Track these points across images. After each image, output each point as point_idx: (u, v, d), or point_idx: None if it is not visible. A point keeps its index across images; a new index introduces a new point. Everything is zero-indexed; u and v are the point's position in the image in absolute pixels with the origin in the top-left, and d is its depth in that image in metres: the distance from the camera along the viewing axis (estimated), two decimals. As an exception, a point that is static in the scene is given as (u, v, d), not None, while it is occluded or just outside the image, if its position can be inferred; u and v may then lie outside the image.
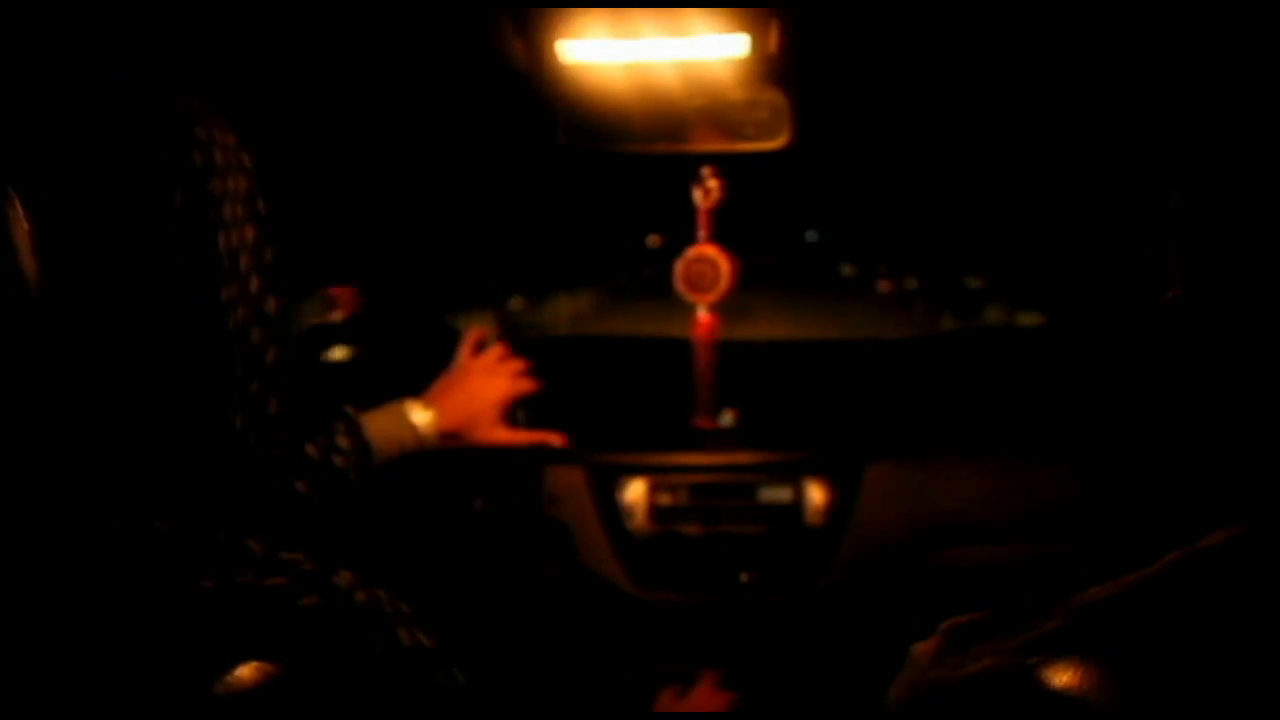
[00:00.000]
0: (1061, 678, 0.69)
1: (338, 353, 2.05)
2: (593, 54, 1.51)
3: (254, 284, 0.92)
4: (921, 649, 0.83)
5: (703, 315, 2.09)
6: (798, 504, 2.05)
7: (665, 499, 2.06)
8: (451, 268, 2.29)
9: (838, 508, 2.04)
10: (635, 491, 2.07)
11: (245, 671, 0.73)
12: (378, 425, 1.56)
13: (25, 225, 0.77)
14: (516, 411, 1.81)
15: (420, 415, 1.60)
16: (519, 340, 1.87)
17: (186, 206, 0.86)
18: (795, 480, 2.06)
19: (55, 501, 0.78)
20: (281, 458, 1.44)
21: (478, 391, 1.69)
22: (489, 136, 1.79)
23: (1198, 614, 0.69)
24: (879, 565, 2.03)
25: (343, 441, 1.50)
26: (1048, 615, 0.74)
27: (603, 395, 2.33)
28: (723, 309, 2.10)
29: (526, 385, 1.77)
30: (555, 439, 1.79)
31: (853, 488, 2.05)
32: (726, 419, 2.21)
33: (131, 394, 0.83)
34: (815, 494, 2.05)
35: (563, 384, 2.01)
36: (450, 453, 1.73)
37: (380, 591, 0.86)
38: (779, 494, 2.06)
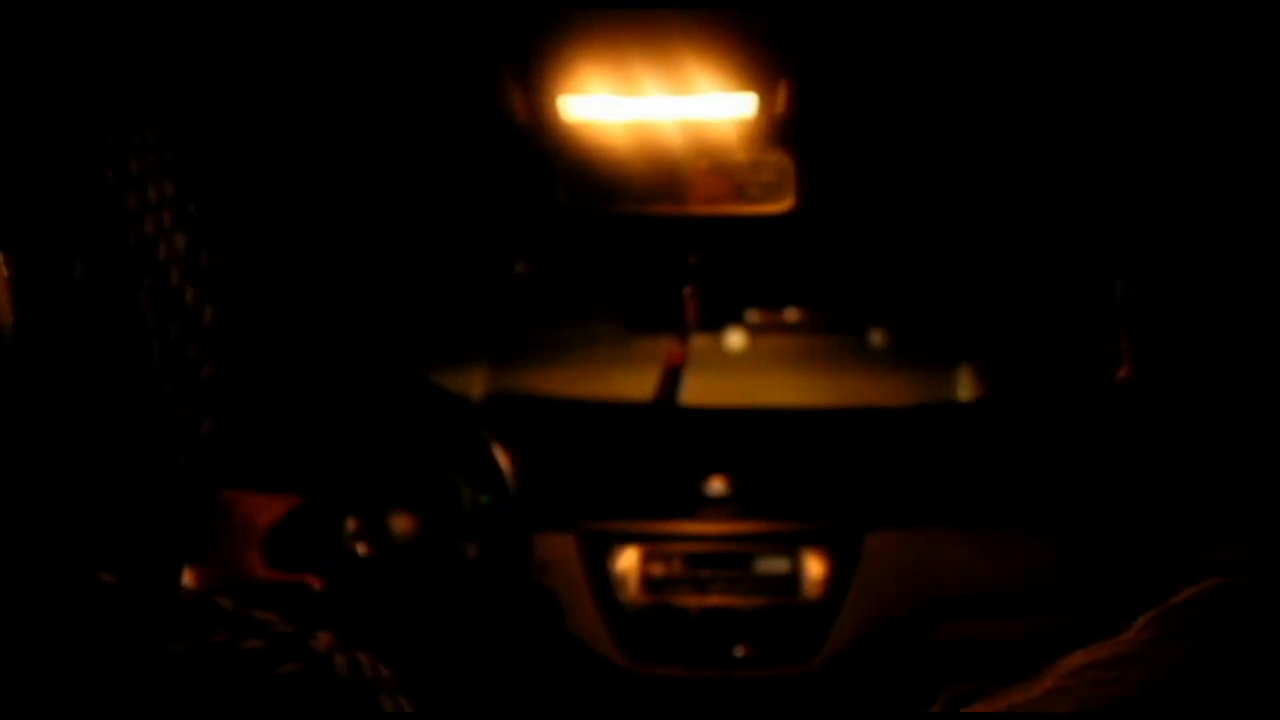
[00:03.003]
0: None
1: None
2: (595, 111, 1.48)
3: (189, 295, 0.88)
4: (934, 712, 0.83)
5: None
6: (795, 575, 2.01)
7: (659, 569, 2.02)
8: (440, 323, 2.25)
9: (836, 579, 2.00)
10: (628, 560, 2.02)
11: None
12: None
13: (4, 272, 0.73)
14: (501, 467, 1.74)
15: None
16: (509, 401, 1.83)
17: (100, 228, 0.82)
18: (793, 550, 2.01)
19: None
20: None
21: (235, 538, 1.53)
22: (489, 193, 1.75)
23: (1172, 665, 0.71)
24: (878, 639, 1.98)
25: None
26: (1039, 679, 0.74)
27: (595, 460, 2.29)
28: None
29: (279, 506, 1.57)
30: (313, 582, 1.63)
31: (852, 559, 2.00)
32: (722, 487, 2.16)
33: (67, 432, 0.79)
34: (813, 565, 2.01)
35: (553, 448, 1.96)
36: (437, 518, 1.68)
37: (361, 655, 0.81)
38: (776, 565, 2.01)
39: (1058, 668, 0.75)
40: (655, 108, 1.46)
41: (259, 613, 0.80)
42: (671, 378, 2.14)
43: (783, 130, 1.53)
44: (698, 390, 2.16)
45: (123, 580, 0.75)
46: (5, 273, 0.73)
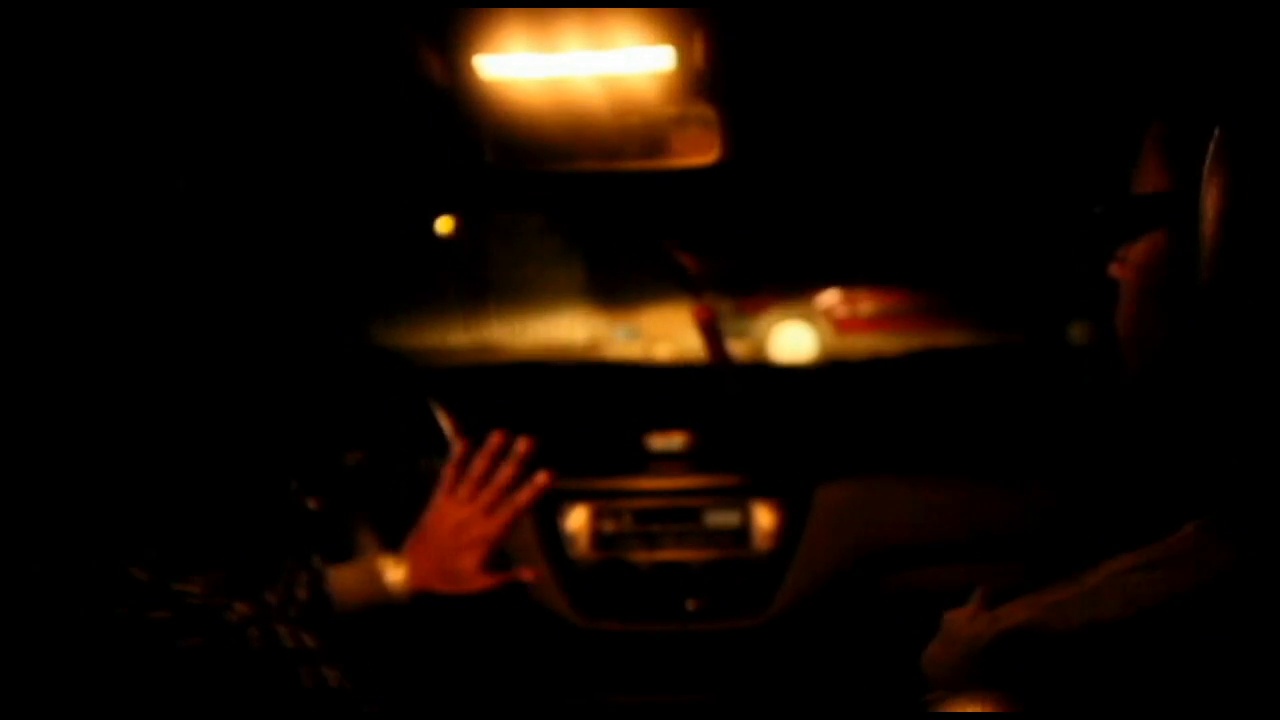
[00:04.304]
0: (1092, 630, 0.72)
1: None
2: (514, 69, 1.46)
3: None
4: (955, 614, 0.87)
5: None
6: (745, 528, 2.01)
7: (609, 525, 2.02)
8: (383, 290, 2.23)
9: (787, 531, 2.00)
10: (578, 518, 2.02)
11: None
12: (345, 581, 1.45)
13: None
14: (446, 427, 1.72)
15: (393, 573, 1.49)
16: (459, 367, 1.82)
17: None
18: (743, 504, 2.02)
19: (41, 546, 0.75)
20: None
21: (453, 543, 1.52)
22: (417, 157, 1.73)
23: (1222, 568, 0.72)
24: (829, 589, 1.98)
25: (301, 594, 1.39)
26: (1078, 579, 0.78)
27: (545, 418, 2.28)
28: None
29: (499, 527, 1.55)
30: (529, 575, 1.61)
31: (802, 510, 2.01)
32: (673, 442, 2.16)
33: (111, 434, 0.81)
34: (764, 517, 2.01)
35: (505, 408, 1.95)
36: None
37: (281, 627, 0.81)
38: (726, 518, 2.02)
39: (1101, 569, 0.77)
40: (574, 64, 1.45)
41: (178, 585, 0.80)
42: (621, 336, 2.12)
43: (705, 82, 1.52)
44: (645, 346, 2.15)
45: (152, 578, 0.76)
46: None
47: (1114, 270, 0.87)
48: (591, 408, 2.28)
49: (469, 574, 1.52)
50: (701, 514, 2.02)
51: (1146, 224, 0.84)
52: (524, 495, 1.52)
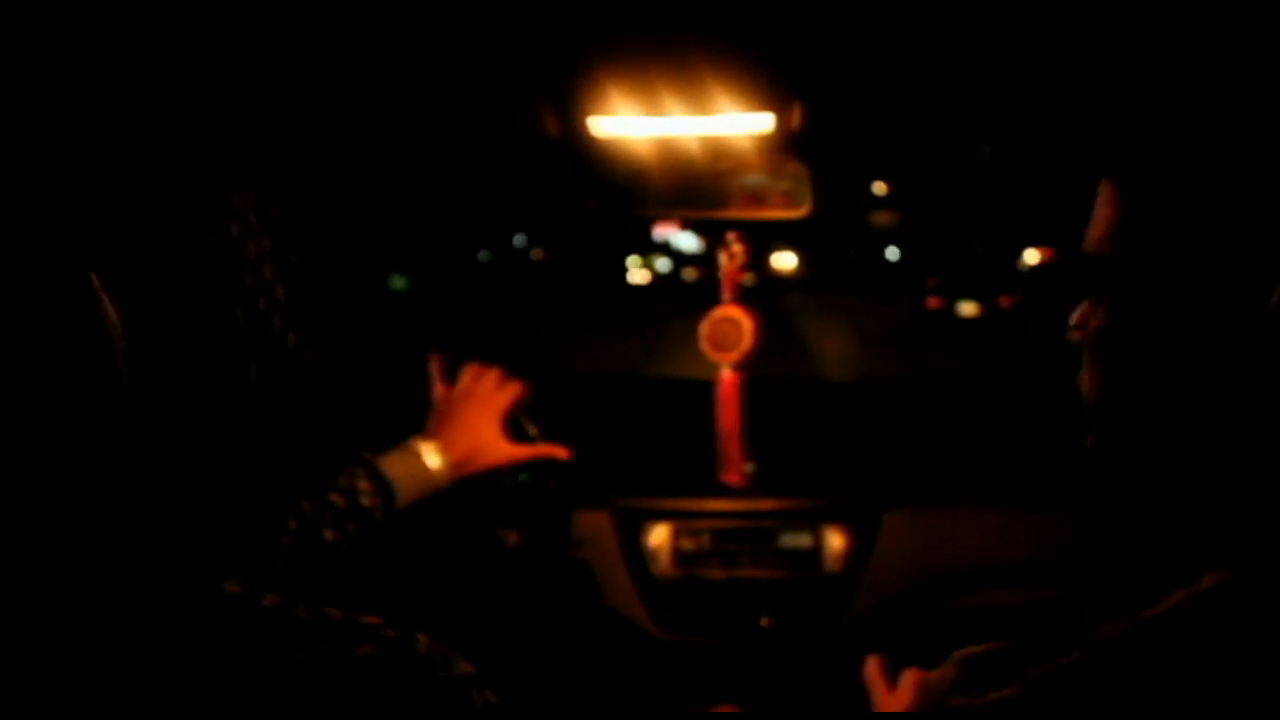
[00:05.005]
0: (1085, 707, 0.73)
1: None
2: (622, 128, 1.58)
3: (290, 339, 0.98)
4: (929, 678, 0.91)
5: (727, 374, 2.14)
6: (817, 550, 2.11)
7: (689, 544, 2.12)
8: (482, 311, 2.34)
9: (856, 554, 2.10)
10: (659, 536, 2.13)
11: None
12: (395, 469, 1.53)
13: (116, 318, 0.83)
14: (529, 427, 1.81)
15: (431, 457, 1.57)
16: (545, 377, 1.90)
17: (228, 276, 0.92)
18: (814, 527, 2.11)
19: (142, 569, 0.84)
20: (309, 508, 1.42)
21: (476, 416, 1.64)
22: (531, 200, 1.85)
23: (1204, 652, 0.73)
24: (897, 610, 2.08)
25: (364, 485, 1.47)
26: (1066, 649, 0.78)
27: (629, 438, 2.39)
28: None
29: (516, 389, 1.70)
30: (560, 452, 1.76)
31: (870, 534, 2.10)
32: (749, 466, 2.26)
33: (193, 458, 0.89)
34: (834, 540, 2.11)
35: (587, 426, 2.06)
36: (479, 496, 1.77)
37: (452, 654, 0.91)
38: (799, 540, 2.12)
39: (1089, 636, 0.78)
40: (679, 126, 1.57)
41: (365, 618, 0.90)
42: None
43: (799, 143, 1.63)
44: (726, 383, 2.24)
45: (247, 591, 0.85)
46: (115, 316, 0.84)
47: (1073, 335, 0.89)
48: (673, 428, 2.38)
49: (493, 445, 1.64)
50: (775, 535, 2.12)
51: (1088, 288, 0.85)
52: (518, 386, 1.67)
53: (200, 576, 0.89)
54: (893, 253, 24.33)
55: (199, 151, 0.98)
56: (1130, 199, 0.83)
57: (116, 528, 0.84)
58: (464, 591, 2.01)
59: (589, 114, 1.54)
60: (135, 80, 1.08)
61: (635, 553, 2.12)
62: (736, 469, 2.18)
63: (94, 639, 0.80)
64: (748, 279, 2.10)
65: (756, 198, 1.74)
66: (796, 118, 1.54)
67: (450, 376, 1.70)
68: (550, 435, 1.81)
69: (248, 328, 0.97)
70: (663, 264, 23.94)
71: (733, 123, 1.55)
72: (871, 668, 1.24)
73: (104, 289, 0.82)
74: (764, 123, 1.56)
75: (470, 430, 1.62)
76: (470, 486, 1.94)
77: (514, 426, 1.73)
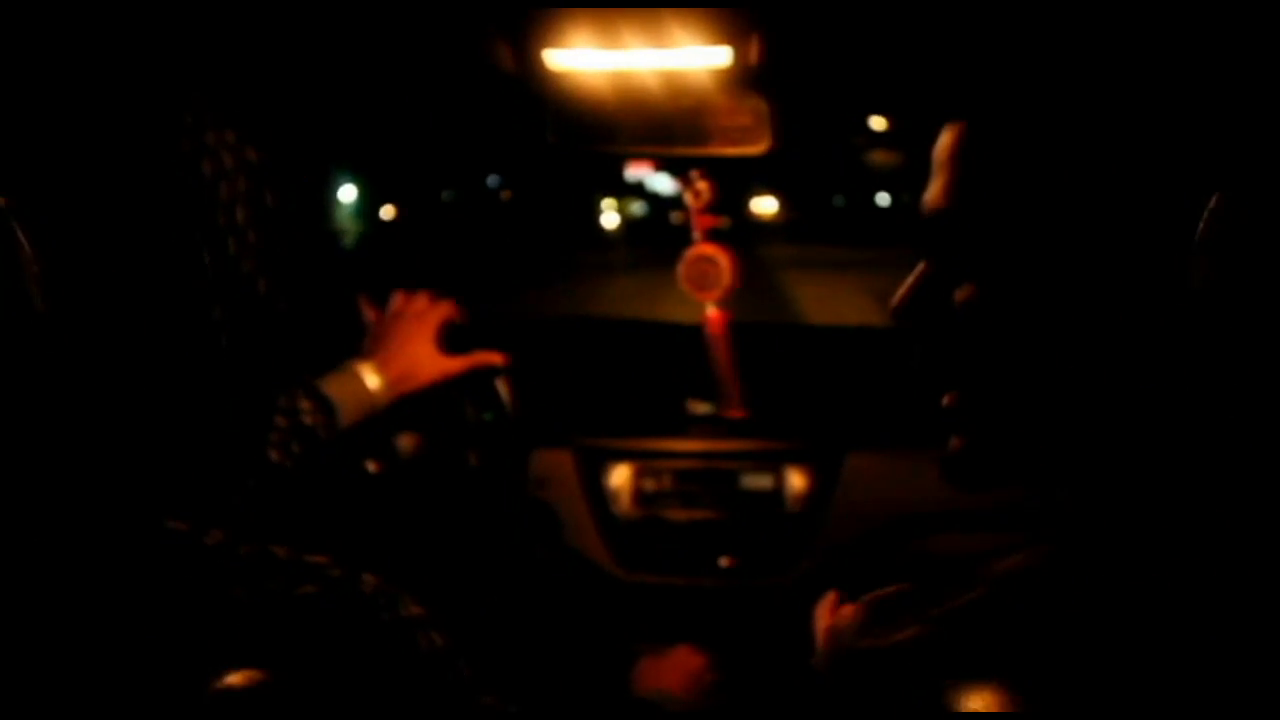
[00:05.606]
0: (981, 645, 0.74)
1: None
2: (579, 61, 1.56)
3: (261, 285, 0.97)
4: (840, 621, 0.90)
5: (712, 312, 2.13)
6: (778, 491, 2.12)
7: (650, 484, 2.13)
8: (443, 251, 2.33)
9: (817, 495, 2.11)
10: (621, 476, 2.13)
11: (245, 675, 0.78)
12: (334, 389, 1.54)
13: (26, 244, 0.81)
14: (500, 388, 1.81)
15: (370, 378, 1.58)
16: (507, 321, 1.90)
17: (195, 215, 0.91)
18: (776, 468, 2.12)
19: (72, 505, 0.83)
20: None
21: (408, 335, 1.65)
22: (487, 136, 1.83)
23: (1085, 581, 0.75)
24: (856, 552, 2.09)
25: (304, 404, 1.49)
26: (969, 587, 0.79)
27: (591, 379, 2.38)
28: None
29: (446, 308, 1.71)
30: (494, 358, 1.75)
31: (832, 476, 2.11)
32: (711, 407, 2.26)
33: (133, 395, 0.87)
34: (795, 481, 2.12)
35: (551, 367, 2.05)
36: (440, 433, 1.76)
37: (401, 595, 0.90)
38: (760, 481, 2.12)
39: (987, 573, 0.79)
40: (636, 59, 1.54)
41: (311, 558, 0.89)
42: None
43: (758, 77, 1.61)
44: (689, 311, 2.24)
45: (192, 528, 0.84)
46: (27, 244, 0.83)
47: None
48: (636, 369, 2.38)
49: (428, 361, 1.65)
50: (737, 476, 2.13)
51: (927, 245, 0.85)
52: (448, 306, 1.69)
53: (141, 511, 0.87)
54: (883, 198, 24.11)
55: (173, 86, 0.96)
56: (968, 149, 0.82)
57: (33, 460, 0.83)
58: (422, 532, 2.01)
59: (544, 47, 1.52)
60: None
61: (596, 492, 2.13)
62: (737, 404, 2.17)
63: (23, 576, 0.80)
64: (723, 222, 2.10)
65: (716, 134, 1.72)
66: (755, 51, 1.51)
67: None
68: (516, 376, 1.82)
69: (214, 269, 0.95)
70: (638, 207, 23.83)
71: (690, 56, 1.53)
72: (825, 604, 1.24)
73: (12, 214, 0.80)
74: (722, 56, 1.53)
75: (404, 349, 1.63)
76: (430, 423, 1.94)
77: (481, 373, 1.74)
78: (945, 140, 0.83)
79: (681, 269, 2.08)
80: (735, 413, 2.18)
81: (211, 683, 0.76)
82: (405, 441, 1.98)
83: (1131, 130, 0.76)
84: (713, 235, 2.06)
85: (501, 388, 1.89)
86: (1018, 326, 0.80)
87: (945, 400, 0.87)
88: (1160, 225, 0.74)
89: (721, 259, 2.06)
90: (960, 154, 0.82)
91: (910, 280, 0.87)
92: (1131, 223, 0.75)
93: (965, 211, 0.82)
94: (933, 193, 0.84)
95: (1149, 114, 0.76)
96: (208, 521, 0.88)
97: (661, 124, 1.72)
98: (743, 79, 1.62)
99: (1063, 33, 0.84)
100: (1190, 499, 0.76)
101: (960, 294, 0.83)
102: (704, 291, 2.11)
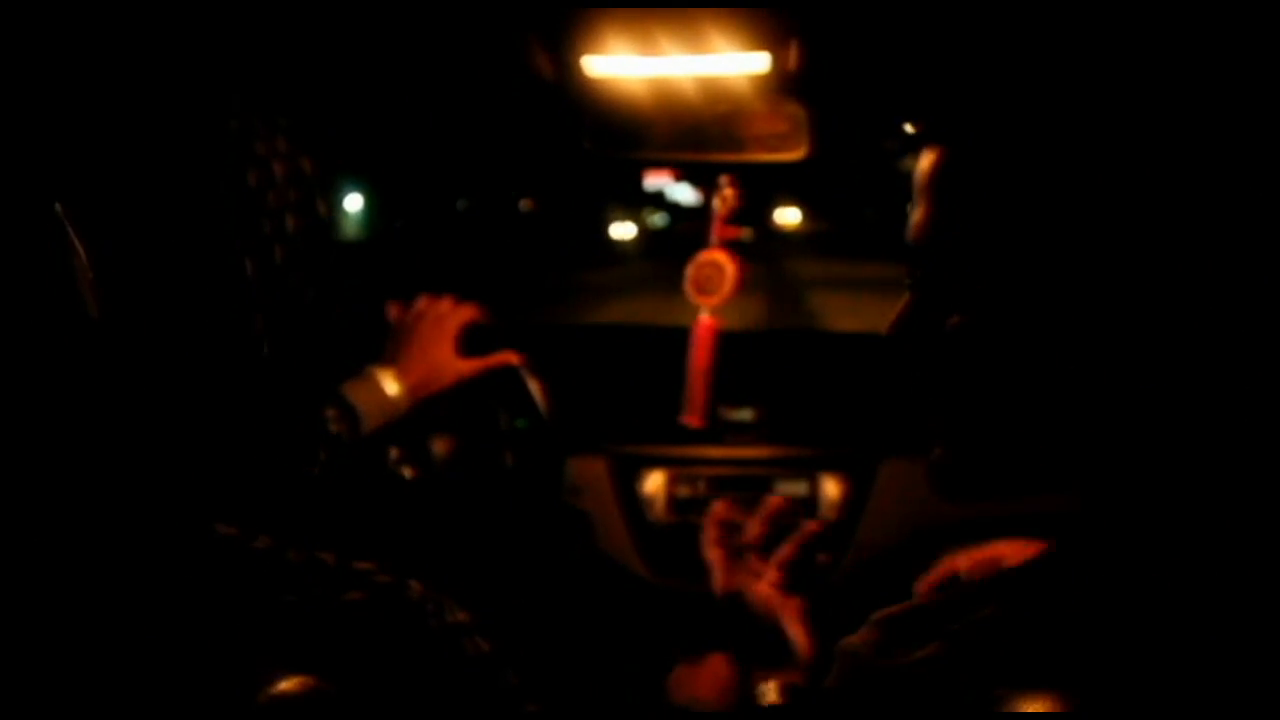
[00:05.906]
0: (1007, 661, 0.73)
1: None
2: (617, 68, 1.56)
3: (307, 295, 0.97)
4: (852, 641, 0.88)
5: (704, 318, 2.12)
6: (812, 498, 2.11)
7: (684, 490, 2.13)
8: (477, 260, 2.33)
9: (851, 502, 2.10)
10: (655, 483, 2.13)
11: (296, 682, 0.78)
12: (357, 396, 1.53)
13: (81, 249, 0.82)
14: (534, 394, 1.80)
15: (389, 384, 1.57)
16: (539, 328, 1.90)
17: (239, 224, 0.91)
18: (810, 475, 2.12)
19: (124, 508, 0.83)
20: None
21: (428, 339, 1.64)
22: (523, 143, 1.84)
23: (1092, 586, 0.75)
24: (890, 560, 2.08)
25: (330, 412, 1.47)
26: (984, 601, 0.78)
27: (623, 385, 2.38)
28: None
29: (469, 310, 1.69)
30: (512, 358, 1.72)
31: (866, 483, 2.10)
32: (745, 414, 2.26)
33: (180, 401, 0.88)
34: (830, 488, 2.11)
35: (583, 374, 2.05)
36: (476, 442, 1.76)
37: (446, 601, 0.91)
38: (794, 488, 2.12)
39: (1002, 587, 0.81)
40: (673, 65, 1.55)
41: (357, 564, 0.90)
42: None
43: (796, 84, 1.61)
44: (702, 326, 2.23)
45: (241, 533, 0.85)
46: (81, 250, 0.83)
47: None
48: (669, 376, 2.37)
49: (447, 365, 1.63)
50: (771, 483, 2.12)
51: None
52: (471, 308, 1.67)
53: (192, 518, 0.88)
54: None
55: (220, 97, 0.97)
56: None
57: (89, 466, 0.83)
58: (460, 539, 2.01)
59: (582, 53, 1.52)
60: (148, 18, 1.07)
61: (630, 499, 2.13)
62: (698, 412, 2.15)
63: (78, 581, 0.80)
64: (743, 233, 2.09)
65: (753, 141, 1.72)
66: (794, 56, 1.51)
67: None
68: (549, 384, 1.81)
69: (258, 279, 0.95)
70: (659, 219, 23.71)
71: (729, 62, 1.53)
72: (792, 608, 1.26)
73: (69, 221, 0.81)
74: (760, 62, 1.53)
75: (424, 353, 1.61)
76: (464, 428, 1.94)
77: (515, 380, 1.73)
78: (924, 166, 0.85)
79: (689, 271, 2.07)
80: (693, 420, 2.15)
81: (263, 688, 0.76)
82: (439, 445, 1.99)
83: (1110, 153, 0.77)
84: (729, 244, 2.06)
85: (535, 394, 1.89)
86: (1003, 350, 0.82)
87: (933, 414, 0.89)
88: (1140, 246, 0.75)
89: (727, 265, 2.04)
90: (939, 181, 0.84)
91: (900, 308, 0.89)
92: (1112, 244, 0.76)
93: (946, 243, 0.83)
94: (914, 222, 0.86)
95: (1128, 137, 0.76)
96: (256, 527, 0.89)
97: (698, 130, 1.72)
98: (781, 85, 1.62)
99: (1038, 58, 0.85)
100: (1186, 502, 0.78)
101: (949, 320, 0.85)
102: (705, 296, 2.09)
